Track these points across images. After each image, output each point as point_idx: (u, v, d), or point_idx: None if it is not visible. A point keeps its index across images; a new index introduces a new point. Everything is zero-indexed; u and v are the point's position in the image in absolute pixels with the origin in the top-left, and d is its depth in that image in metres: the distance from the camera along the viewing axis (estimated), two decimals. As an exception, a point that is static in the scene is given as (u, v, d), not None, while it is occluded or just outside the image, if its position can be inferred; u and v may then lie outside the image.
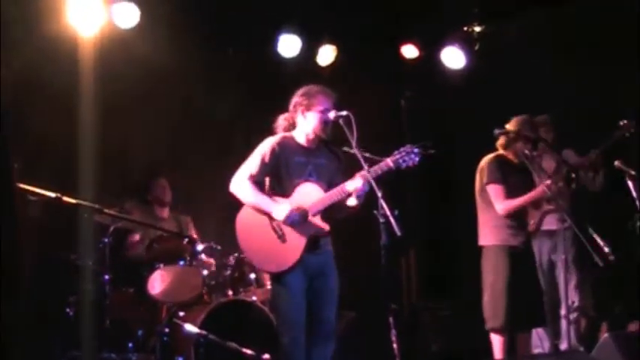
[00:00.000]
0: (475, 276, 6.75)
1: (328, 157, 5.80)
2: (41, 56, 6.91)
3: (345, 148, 5.61)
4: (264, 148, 5.68)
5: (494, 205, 6.54)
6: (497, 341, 6.52)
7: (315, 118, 5.67)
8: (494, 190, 6.55)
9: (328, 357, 5.64)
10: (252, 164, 5.65)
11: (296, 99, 5.76)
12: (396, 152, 5.51)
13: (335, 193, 5.55)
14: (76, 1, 6.95)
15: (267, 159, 5.63)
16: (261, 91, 8.55)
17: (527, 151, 6.60)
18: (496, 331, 6.51)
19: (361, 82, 8.53)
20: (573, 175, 6.72)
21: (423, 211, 9.41)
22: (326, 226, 5.59)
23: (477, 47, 8.88)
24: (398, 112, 9.40)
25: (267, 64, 8.53)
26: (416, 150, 5.48)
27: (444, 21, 8.74)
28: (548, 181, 6.57)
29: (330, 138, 5.74)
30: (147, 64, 7.50)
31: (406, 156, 5.47)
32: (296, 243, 5.52)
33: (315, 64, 8.58)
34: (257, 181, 5.65)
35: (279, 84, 8.15)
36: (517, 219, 6.60)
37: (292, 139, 5.76)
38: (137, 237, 7.41)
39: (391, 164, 5.47)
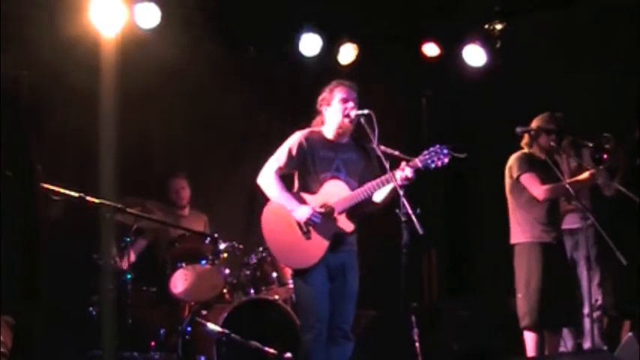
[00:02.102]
0: (496, 275, 6.74)
1: (358, 153, 5.79)
2: (63, 56, 6.93)
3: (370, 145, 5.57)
4: (292, 141, 5.70)
5: (532, 193, 6.49)
6: (530, 339, 6.48)
7: (337, 108, 5.68)
8: (529, 179, 6.52)
9: (347, 356, 5.65)
10: (279, 158, 5.68)
11: (320, 97, 5.80)
12: (425, 152, 5.47)
13: (363, 191, 5.53)
14: (97, 1, 6.97)
15: (294, 152, 5.65)
16: (282, 89, 8.57)
17: (552, 143, 6.58)
18: (531, 329, 6.47)
19: (382, 80, 8.53)
20: (597, 156, 6.69)
21: (444, 209, 9.40)
22: (351, 226, 5.58)
23: (498, 45, 8.84)
24: (419, 111, 9.38)
25: (289, 63, 8.53)
26: (445, 151, 5.43)
27: (465, 19, 8.71)
28: (592, 170, 6.56)
29: (355, 135, 5.75)
30: (168, 64, 7.52)
31: (435, 156, 5.43)
32: (320, 241, 5.52)
33: (336, 62, 8.56)
34: (284, 175, 5.68)
35: (300, 83, 8.17)
36: (550, 215, 6.56)
37: (320, 133, 5.77)
38: (143, 242, 7.49)
39: (419, 164, 5.43)
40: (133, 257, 7.16)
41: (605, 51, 7.98)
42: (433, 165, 5.45)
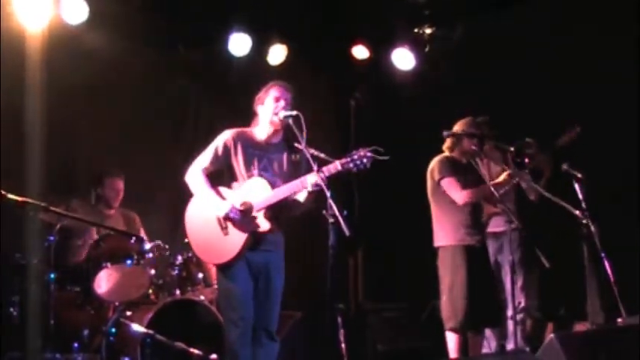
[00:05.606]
0: (422, 277, 6.78)
1: (287, 155, 5.81)
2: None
3: (297, 145, 5.58)
4: (219, 140, 5.72)
5: (452, 198, 6.55)
6: (453, 341, 6.53)
7: (269, 107, 5.70)
8: (449, 183, 6.58)
9: (273, 357, 5.66)
10: (205, 156, 5.71)
11: (256, 97, 5.81)
12: (347, 155, 5.47)
13: (283, 191, 5.53)
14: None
15: (220, 151, 5.68)
16: (212, 89, 8.53)
17: (474, 147, 6.66)
18: (455, 330, 6.53)
19: (312, 81, 8.55)
20: (519, 160, 6.78)
21: (371, 211, 9.43)
22: (267, 225, 5.56)
23: (427, 49, 8.92)
24: (347, 112, 9.41)
25: (218, 63, 8.50)
26: (368, 154, 5.43)
27: (395, 23, 8.77)
28: (509, 171, 6.64)
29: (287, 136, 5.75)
30: (96, 60, 7.44)
31: (358, 160, 5.43)
32: (237, 237, 5.54)
33: (266, 63, 8.55)
34: (210, 173, 5.70)
35: (230, 82, 8.14)
36: (474, 218, 6.64)
37: (249, 132, 5.79)
38: (79, 242, 7.34)
39: (339, 167, 5.41)
40: (84, 256, 7.01)
41: (532, 56, 8.08)
42: (355, 168, 5.43)
